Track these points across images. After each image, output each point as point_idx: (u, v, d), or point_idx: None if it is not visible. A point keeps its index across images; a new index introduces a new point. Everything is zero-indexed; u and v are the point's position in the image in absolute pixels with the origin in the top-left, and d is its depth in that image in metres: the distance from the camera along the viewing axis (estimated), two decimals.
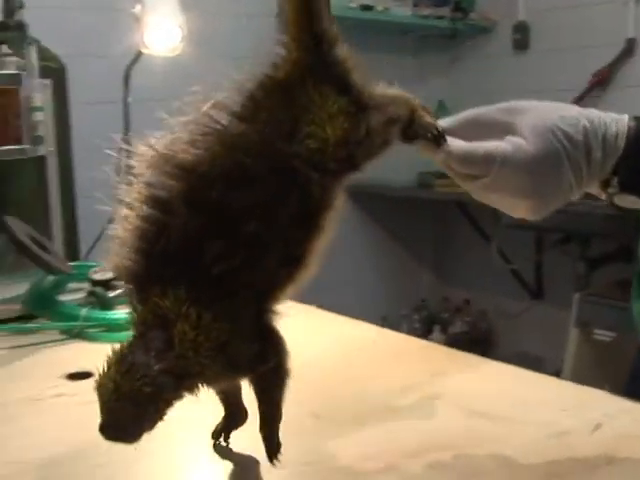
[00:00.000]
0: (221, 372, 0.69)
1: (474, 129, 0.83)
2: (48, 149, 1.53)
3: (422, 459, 0.79)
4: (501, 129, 0.82)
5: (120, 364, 0.66)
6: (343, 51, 0.76)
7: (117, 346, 0.68)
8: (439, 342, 3.84)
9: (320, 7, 0.75)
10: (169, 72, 2.04)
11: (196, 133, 0.72)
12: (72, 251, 2.02)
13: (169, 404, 0.68)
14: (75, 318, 1.27)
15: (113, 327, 1.27)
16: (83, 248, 2.08)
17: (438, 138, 0.80)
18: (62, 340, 1.26)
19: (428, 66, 4.08)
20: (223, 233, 0.68)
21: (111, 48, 2.11)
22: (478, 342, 3.92)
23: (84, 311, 1.28)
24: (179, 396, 0.68)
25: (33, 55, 1.50)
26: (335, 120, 0.72)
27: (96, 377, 0.67)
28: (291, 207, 0.70)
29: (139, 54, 1.84)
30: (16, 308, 1.34)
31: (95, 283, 1.42)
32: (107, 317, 1.29)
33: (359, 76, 0.76)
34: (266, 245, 0.70)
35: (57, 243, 1.57)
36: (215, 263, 0.68)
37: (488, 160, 0.79)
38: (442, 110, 3.46)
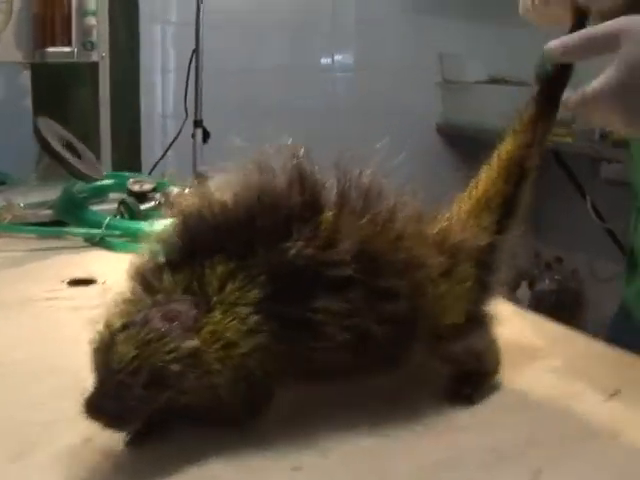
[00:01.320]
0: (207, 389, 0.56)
1: None
2: (101, 55, 1.50)
3: None
4: None
5: (140, 329, 0.54)
6: None
7: (127, 303, 0.58)
8: (525, 299, 3.72)
9: None
10: None
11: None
12: (135, 166, 2.01)
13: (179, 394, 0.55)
14: (98, 226, 1.24)
15: (135, 237, 1.24)
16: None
17: None
18: (83, 247, 1.23)
19: None
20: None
21: None
22: (565, 303, 3.76)
23: (107, 219, 1.25)
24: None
25: None
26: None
27: (98, 335, 0.57)
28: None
29: None
30: (48, 213, 1.33)
31: (131, 194, 1.39)
32: (130, 227, 1.26)
33: None
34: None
35: (104, 151, 1.54)
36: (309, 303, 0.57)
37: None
38: None
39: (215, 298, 0.56)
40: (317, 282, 0.58)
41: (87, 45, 1.46)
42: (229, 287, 0.56)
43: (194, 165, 2.02)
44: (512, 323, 0.81)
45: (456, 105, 3.43)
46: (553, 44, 0.72)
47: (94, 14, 1.46)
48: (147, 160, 2.08)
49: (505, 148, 0.74)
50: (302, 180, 0.61)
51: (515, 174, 0.73)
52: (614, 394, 0.71)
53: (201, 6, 1.97)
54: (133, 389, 0.53)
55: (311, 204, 0.60)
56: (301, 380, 0.62)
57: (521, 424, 0.67)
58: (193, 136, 2.05)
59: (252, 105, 2.62)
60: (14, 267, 1.13)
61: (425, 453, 0.62)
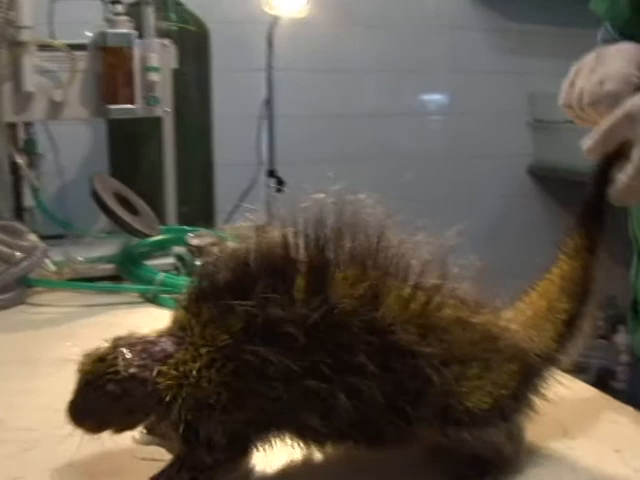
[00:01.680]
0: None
1: None
2: (164, 109, 1.51)
3: None
4: None
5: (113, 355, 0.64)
6: None
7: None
8: (621, 344, 3.53)
9: None
10: (309, 38, 1.98)
11: None
12: (208, 218, 2.02)
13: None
14: (152, 282, 1.24)
15: None
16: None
17: None
18: (138, 303, 1.24)
19: None
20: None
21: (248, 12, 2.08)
22: None
23: (161, 275, 1.25)
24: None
25: (150, 15, 1.49)
26: None
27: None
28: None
29: (277, 19, 1.78)
30: (108, 267, 1.34)
31: (190, 248, 1.39)
32: (182, 283, 1.25)
33: None
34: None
35: (169, 205, 1.55)
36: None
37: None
38: None
39: (188, 339, 0.62)
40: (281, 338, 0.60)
41: (150, 100, 1.48)
42: (207, 331, 0.61)
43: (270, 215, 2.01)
44: None
45: (547, 145, 3.33)
46: (584, 143, 0.73)
47: (157, 70, 1.48)
48: (221, 212, 2.09)
49: (562, 268, 0.72)
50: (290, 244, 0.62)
51: (579, 294, 0.70)
52: None
53: (273, 50, 1.98)
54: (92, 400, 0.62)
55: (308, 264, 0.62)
56: (285, 431, 0.62)
57: None
58: (267, 186, 2.05)
59: (336, 151, 2.62)
60: (63, 324, 1.14)
61: None
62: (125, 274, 1.30)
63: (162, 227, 1.40)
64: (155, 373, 0.60)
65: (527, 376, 0.66)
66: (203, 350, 0.61)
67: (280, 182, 2.03)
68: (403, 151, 2.90)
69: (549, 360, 0.68)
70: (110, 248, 1.36)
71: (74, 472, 0.68)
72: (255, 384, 0.60)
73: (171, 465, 0.63)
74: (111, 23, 1.44)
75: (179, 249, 1.39)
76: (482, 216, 3.17)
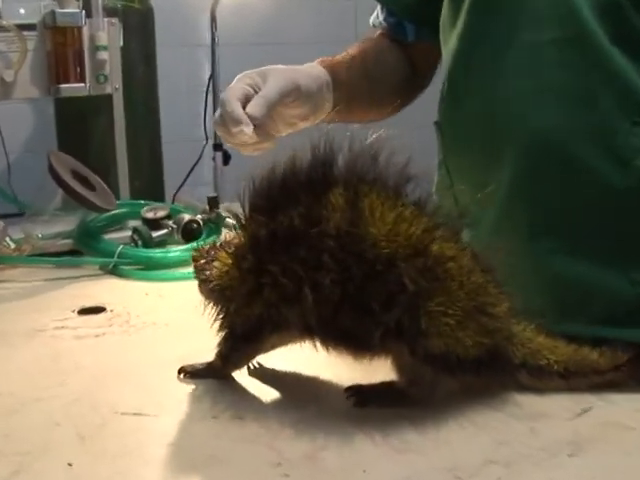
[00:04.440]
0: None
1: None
2: (114, 87, 1.55)
3: None
4: None
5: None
6: None
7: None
8: None
9: None
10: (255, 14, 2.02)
11: None
12: (157, 193, 2.06)
13: None
14: (112, 255, 1.29)
15: (147, 265, 1.29)
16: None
17: None
18: (98, 275, 1.28)
19: None
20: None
21: None
22: None
23: (120, 248, 1.29)
24: None
25: None
26: None
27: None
28: None
29: None
30: (66, 243, 1.38)
31: (145, 221, 1.44)
32: (141, 255, 1.31)
33: None
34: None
35: (122, 180, 1.59)
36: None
37: None
38: None
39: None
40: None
41: (100, 78, 1.51)
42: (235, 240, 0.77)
43: (215, 189, 2.06)
44: None
45: None
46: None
47: (106, 48, 1.51)
48: (170, 187, 2.13)
49: None
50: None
51: None
52: (582, 413, 0.73)
53: (216, 26, 2.01)
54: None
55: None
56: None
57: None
58: (214, 159, 2.10)
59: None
60: (29, 297, 1.18)
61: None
62: (84, 248, 1.34)
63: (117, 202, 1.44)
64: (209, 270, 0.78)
65: (492, 356, 0.74)
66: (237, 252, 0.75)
67: (226, 156, 2.08)
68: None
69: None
70: (67, 224, 1.40)
71: (62, 431, 0.73)
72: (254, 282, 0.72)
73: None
74: (59, 2, 1.46)
75: (134, 222, 1.44)
76: None
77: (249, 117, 0.88)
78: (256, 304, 0.73)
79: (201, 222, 1.42)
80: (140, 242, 1.37)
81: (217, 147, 2.07)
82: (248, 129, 0.88)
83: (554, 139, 0.84)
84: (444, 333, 0.70)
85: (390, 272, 0.69)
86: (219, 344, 0.80)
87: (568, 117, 0.84)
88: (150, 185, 1.97)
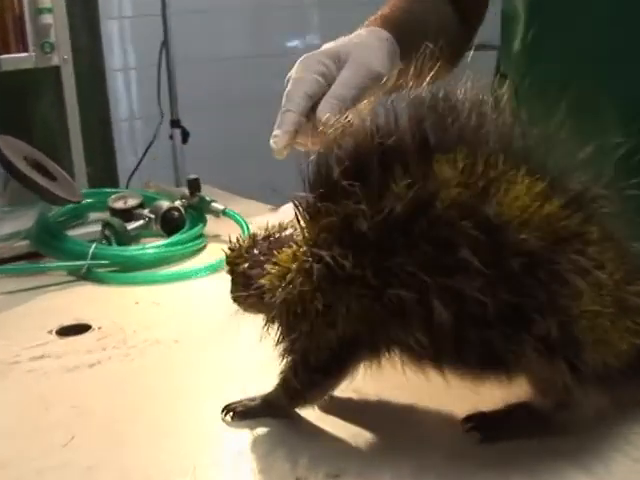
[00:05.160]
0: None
1: None
2: (63, 57, 1.31)
3: None
4: None
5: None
6: None
7: None
8: None
9: None
10: None
11: None
12: (111, 178, 1.83)
13: None
14: (82, 256, 1.06)
15: (127, 266, 1.07)
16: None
17: None
18: (68, 283, 1.06)
19: None
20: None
21: None
22: None
23: (92, 247, 1.07)
24: None
25: None
26: None
27: None
28: None
29: None
30: (23, 245, 1.15)
31: (114, 213, 1.21)
32: (119, 254, 1.09)
33: None
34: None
35: (78, 167, 1.36)
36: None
37: None
38: None
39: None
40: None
41: (45, 47, 1.27)
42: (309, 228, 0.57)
43: (176, 169, 1.83)
44: None
45: None
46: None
47: (50, 11, 1.27)
48: (124, 171, 1.89)
49: None
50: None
51: None
52: None
53: None
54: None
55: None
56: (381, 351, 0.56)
57: None
58: (171, 137, 1.87)
59: (223, 97, 2.44)
60: None
61: None
62: (46, 250, 1.12)
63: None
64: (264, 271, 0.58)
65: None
66: (302, 249, 0.56)
67: (185, 133, 1.85)
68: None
69: None
70: (21, 222, 1.16)
71: None
72: (338, 293, 0.54)
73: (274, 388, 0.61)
74: None
75: (102, 215, 1.22)
76: None
77: (319, 122, 0.70)
78: (346, 323, 0.54)
79: (182, 209, 1.20)
80: (113, 238, 1.14)
81: (174, 124, 1.84)
82: (281, 139, 0.72)
83: None
84: (601, 339, 0.53)
85: (544, 266, 0.50)
86: (284, 374, 0.60)
87: None
88: (102, 170, 1.74)
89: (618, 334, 0.54)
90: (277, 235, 0.61)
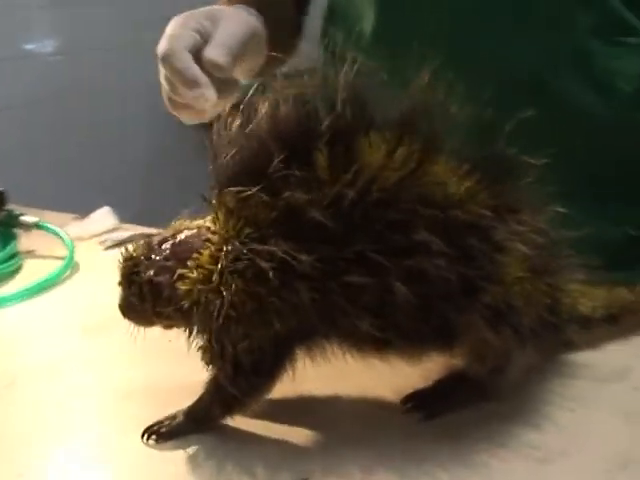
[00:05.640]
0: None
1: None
2: None
3: None
4: None
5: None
6: None
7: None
8: None
9: None
10: None
11: None
12: None
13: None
14: None
15: None
16: None
17: None
18: None
19: None
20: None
21: None
22: None
23: None
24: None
25: None
26: None
27: None
28: None
29: None
30: None
31: None
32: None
33: None
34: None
35: None
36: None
37: None
38: None
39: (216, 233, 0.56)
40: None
41: None
42: (230, 224, 0.54)
43: None
44: None
45: None
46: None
47: None
48: None
49: None
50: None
51: None
52: None
53: None
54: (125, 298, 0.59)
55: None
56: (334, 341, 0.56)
57: None
58: None
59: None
60: None
61: None
62: None
63: None
64: (174, 277, 0.54)
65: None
66: (226, 248, 0.53)
67: None
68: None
69: None
70: None
71: None
72: (281, 290, 0.51)
73: (199, 400, 0.59)
74: None
75: None
76: None
77: (213, 66, 0.66)
78: (284, 320, 0.53)
79: None
80: None
81: None
82: (210, 92, 0.66)
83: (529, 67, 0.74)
84: (528, 302, 0.57)
85: (488, 237, 0.53)
86: (213, 383, 0.58)
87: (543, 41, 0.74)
88: None
89: (537, 296, 0.58)
90: (178, 237, 0.57)
